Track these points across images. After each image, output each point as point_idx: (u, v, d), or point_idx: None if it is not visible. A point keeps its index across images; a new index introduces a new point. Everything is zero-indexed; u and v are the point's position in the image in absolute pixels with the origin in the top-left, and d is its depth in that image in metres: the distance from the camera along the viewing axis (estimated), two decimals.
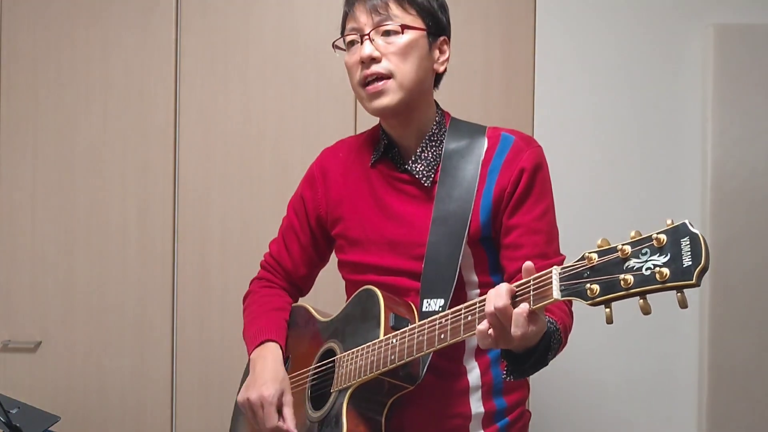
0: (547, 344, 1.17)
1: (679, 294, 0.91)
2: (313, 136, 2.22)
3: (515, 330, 1.06)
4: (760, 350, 2.09)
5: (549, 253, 1.34)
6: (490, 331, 1.09)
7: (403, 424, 1.36)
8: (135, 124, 2.26)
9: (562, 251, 1.37)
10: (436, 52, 1.41)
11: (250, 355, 1.48)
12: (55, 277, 2.27)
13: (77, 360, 2.26)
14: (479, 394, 1.38)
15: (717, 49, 2.10)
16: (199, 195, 2.25)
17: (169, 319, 2.25)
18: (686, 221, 0.93)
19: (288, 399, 1.39)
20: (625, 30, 2.17)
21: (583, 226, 2.12)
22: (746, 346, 2.09)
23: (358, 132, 2.20)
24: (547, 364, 1.21)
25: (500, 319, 1.07)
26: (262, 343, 1.47)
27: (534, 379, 2.15)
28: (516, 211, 1.34)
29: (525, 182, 1.34)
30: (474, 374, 1.38)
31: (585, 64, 2.19)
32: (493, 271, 1.39)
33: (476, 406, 1.38)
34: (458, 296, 1.33)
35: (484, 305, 1.12)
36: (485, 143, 1.39)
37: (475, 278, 1.38)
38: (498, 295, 1.08)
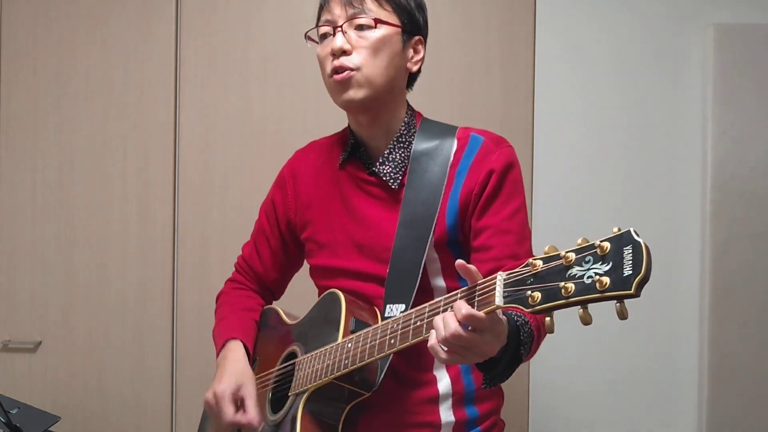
0: (516, 339, 1.13)
1: (618, 304, 0.87)
2: (313, 136, 2.20)
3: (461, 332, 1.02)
4: (760, 350, 2.09)
5: (520, 253, 1.29)
6: (447, 355, 1.05)
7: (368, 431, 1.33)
8: (135, 124, 2.26)
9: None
10: (410, 51, 1.38)
11: (217, 356, 1.46)
12: (55, 277, 2.27)
13: (77, 360, 2.26)
14: (450, 402, 1.35)
15: (717, 49, 2.10)
16: (199, 195, 2.25)
17: (169, 319, 2.25)
18: (631, 229, 0.89)
19: (248, 391, 1.36)
20: (625, 30, 2.17)
21: (582, 227, 2.12)
22: (746, 346, 2.08)
23: None
24: (521, 361, 1.17)
25: (457, 343, 1.03)
26: (225, 342, 1.46)
27: (534, 379, 2.17)
28: (484, 213, 1.31)
29: (493, 183, 1.30)
30: (444, 383, 1.35)
31: (584, 64, 2.19)
32: (461, 277, 1.36)
33: (446, 415, 1.34)
34: (425, 302, 1.27)
35: (434, 309, 1.10)
36: (454, 144, 1.36)
37: (443, 284, 1.34)
38: (446, 326, 1.03)
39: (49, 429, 1.69)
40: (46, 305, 2.27)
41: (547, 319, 0.94)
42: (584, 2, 2.19)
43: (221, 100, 2.25)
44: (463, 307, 1.01)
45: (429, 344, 1.06)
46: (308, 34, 1.42)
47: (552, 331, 0.94)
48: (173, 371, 2.25)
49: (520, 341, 1.14)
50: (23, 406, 1.70)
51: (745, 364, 2.08)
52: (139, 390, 2.25)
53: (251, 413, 1.34)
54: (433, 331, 1.06)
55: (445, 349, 1.04)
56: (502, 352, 1.11)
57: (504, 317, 1.09)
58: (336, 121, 2.22)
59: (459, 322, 1.02)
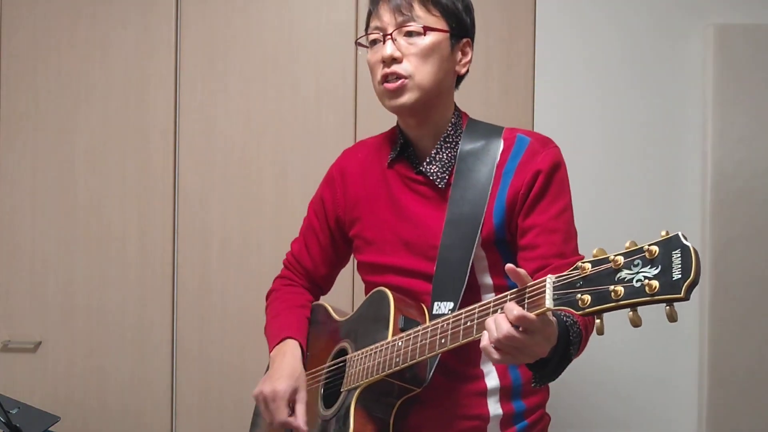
0: (566, 339, 1.16)
1: (667, 307, 0.90)
2: (313, 137, 2.22)
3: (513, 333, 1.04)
4: (760, 350, 2.09)
5: (567, 252, 1.32)
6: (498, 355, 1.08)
7: (417, 425, 1.36)
8: (135, 124, 2.26)
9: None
10: (459, 54, 1.41)
11: (270, 351, 1.49)
12: (55, 277, 2.27)
13: (77, 360, 2.26)
14: (497, 396, 1.38)
15: (717, 49, 2.10)
16: (199, 195, 2.25)
17: (169, 319, 2.25)
18: (679, 233, 0.91)
19: (301, 396, 1.41)
20: (625, 30, 2.17)
21: (582, 227, 2.11)
22: (746, 346, 2.09)
23: (357, 133, 2.20)
24: (571, 360, 1.19)
25: (509, 344, 1.06)
26: (282, 340, 1.49)
27: None
28: (531, 212, 1.33)
29: (540, 184, 1.33)
30: (492, 377, 1.38)
31: (585, 64, 2.18)
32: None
33: (494, 408, 1.37)
34: (473, 299, 1.30)
35: (484, 310, 1.12)
36: (501, 145, 1.39)
37: (490, 281, 1.37)
38: (498, 328, 1.06)
39: (49, 429, 1.69)
40: (46, 305, 2.27)
41: (597, 321, 0.97)
42: (584, 3, 2.19)
43: (221, 101, 2.25)
44: (514, 309, 1.04)
45: (481, 345, 1.08)
46: (359, 40, 1.45)
47: (602, 333, 0.96)
48: (173, 371, 2.25)
49: (569, 341, 1.17)
50: (23, 406, 1.70)
51: (745, 364, 2.09)
52: (139, 390, 2.25)
53: (300, 419, 1.39)
54: (485, 332, 1.08)
55: (497, 349, 1.07)
56: (552, 353, 1.13)
57: (554, 318, 1.11)
58: (336, 121, 2.23)
59: (510, 323, 1.04)
